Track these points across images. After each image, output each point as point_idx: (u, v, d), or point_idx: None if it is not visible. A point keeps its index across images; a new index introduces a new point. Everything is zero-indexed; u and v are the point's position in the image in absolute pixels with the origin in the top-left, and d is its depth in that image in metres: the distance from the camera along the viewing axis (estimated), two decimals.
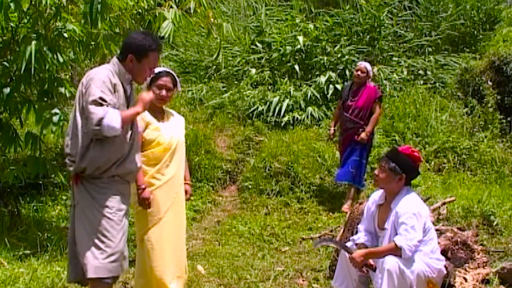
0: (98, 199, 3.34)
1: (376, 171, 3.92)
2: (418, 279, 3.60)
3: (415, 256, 3.64)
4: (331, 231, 6.18)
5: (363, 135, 6.90)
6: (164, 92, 4.01)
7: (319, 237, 6.11)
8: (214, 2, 10.79)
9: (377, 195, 4.00)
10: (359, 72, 7.05)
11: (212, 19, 5.61)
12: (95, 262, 3.28)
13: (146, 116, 3.94)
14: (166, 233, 3.96)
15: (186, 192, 4.24)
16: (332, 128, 7.33)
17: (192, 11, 5.54)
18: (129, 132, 3.46)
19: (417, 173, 3.96)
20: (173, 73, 4.13)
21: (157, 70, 4.08)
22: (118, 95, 3.36)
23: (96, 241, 3.29)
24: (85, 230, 3.32)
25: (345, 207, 6.91)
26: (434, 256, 3.77)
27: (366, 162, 7.21)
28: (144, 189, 3.84)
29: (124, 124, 3.25)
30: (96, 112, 3.14)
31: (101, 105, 3.17)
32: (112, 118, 3.15)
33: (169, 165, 4.00)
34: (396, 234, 3.67)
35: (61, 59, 5.16)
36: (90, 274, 3.27)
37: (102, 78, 3.29)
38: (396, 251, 3.59)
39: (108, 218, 3.33)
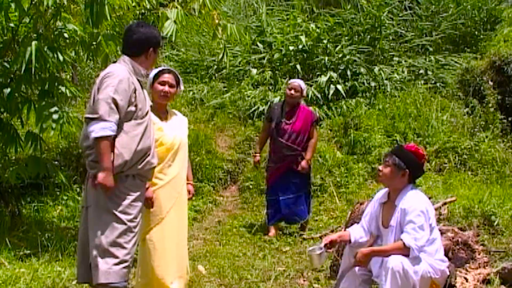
0: (117, 204, 3.29)
1: (379, 167, 3.85)
2: (421, 280, 3.58)
3: (420, 256, 3.61)
4: (332, 231, 6.18)
5: (303, 163, 6.15)
6: (166, 87, 4.02)
7: (320, 237, 6.11)
8: (216, 2, 10.77)
9: (380, 193, 3.96)
10: (292, 91, 6.18)
11: (217, 20, 5.60)
12: (106, 267, 3.23)
13: (150, 116, 3.94)
14: (168, 233, 3.96)
15: (189, 191, 4.26)
16: (258, 155, 6.46)
17: (196, 12, 5.53)
18: (151, 129, 3.47)
19: (421, 170, 3.90)
20: (176, 71, 4.14)
21: (159, 68, 4.13)
22: (139, 92, 3.39)
23: (109, 246, 3.24)
24: (98, 234, 3.26)
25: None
26: (438, 257, 3.73)
27: (311, 191, 6.56)
28: (147, 188, 3.84)
29: (99, 151, 3.19)
30: (101, 111, 3.17)
31: (110, 105, 3.18)
32: (100, 129, 3.15)
33: (171, 165, 4.00)
34: (401, 231, 3.62)
35: (61, 58, 5.15)
36: (101, 279, 3.22)
37: (120, 77, 3.28)
38: (404, 250, 3.53)
39: (125, 224, 3.29)
